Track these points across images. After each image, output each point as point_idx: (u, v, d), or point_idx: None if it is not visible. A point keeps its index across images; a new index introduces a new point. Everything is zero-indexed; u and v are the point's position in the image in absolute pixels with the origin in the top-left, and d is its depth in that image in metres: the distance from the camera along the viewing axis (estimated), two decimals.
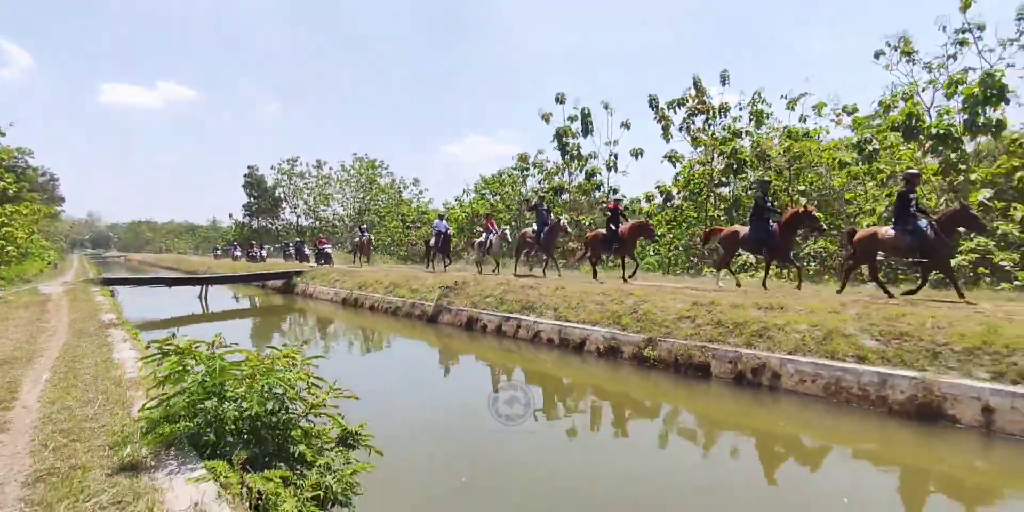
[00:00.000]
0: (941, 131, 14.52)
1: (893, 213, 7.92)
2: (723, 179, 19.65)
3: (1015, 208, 11.81)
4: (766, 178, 11.30)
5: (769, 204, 9.29)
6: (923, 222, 7.44)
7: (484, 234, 14.96)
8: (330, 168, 50.95)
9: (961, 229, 7.79)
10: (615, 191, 23.22)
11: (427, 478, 4.27)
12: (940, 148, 14.53)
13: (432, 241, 17.27)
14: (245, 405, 2.87)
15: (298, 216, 53.83)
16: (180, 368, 2.92)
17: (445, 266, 17.42)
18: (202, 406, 2.85)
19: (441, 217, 18.18)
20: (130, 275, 26.99)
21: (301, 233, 49.97)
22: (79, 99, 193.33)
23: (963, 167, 14.51)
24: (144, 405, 3.12)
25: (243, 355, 3.05)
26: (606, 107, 23.97)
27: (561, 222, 12.50)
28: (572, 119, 23.73)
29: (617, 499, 3.85)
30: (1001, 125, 14.14)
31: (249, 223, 56.74)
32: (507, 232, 14.52)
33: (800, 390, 5.93)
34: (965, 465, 4.41)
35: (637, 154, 22.88)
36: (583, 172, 23.95)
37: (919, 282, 7.89)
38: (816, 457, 4.79)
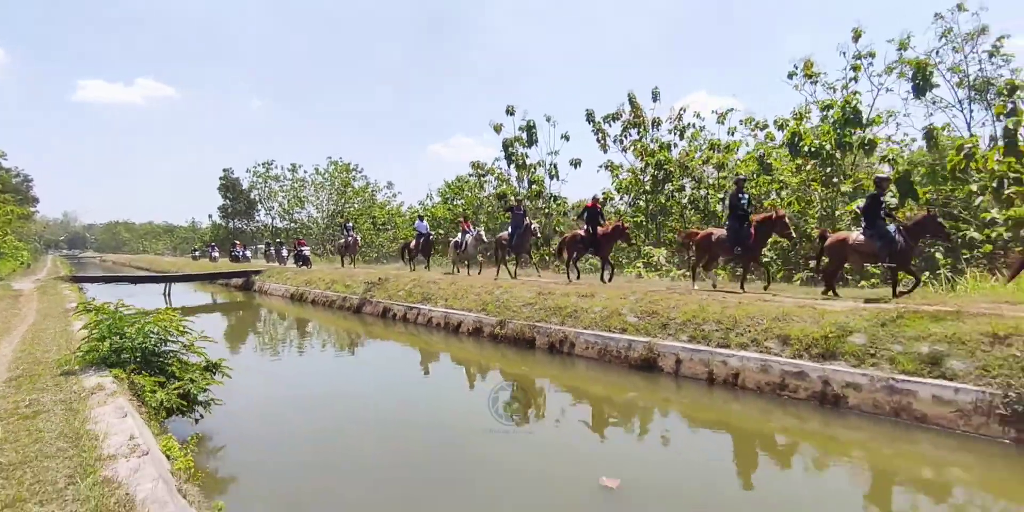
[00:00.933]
0: (813, 149, 16.81)
1: (864, 217, 7.85)
2: (647, 188, 21.77)
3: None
4: (741, 176, 11.10)
5: (744, 201, 9.17)
6: (892, 227, 7.42)
7: (460, 234, 15.26)
8: (304, 171, 51.61)
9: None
10: (555, 198, 25.28)
11: (279, 408, 6.33)
12: (816, 163, 16.81)
13: (412, 242, 17.36)
14: (137, 341, 4.89)
15: (272, 218, 54.84)
16: (96, 319, 4.93)
17: (427, 266, 17.45)
18: (109, 341, 4.86)
19: (421, 218, 18.23)
20: (102, 274, 28.51)
21: (276, 235, 51.28)
22: (54, 96, 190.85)
23: (836, 180, 16.81)
24: (79, 345, 5.12)
25: (134, 311, 5.06)
26: (548, 120, 25.97)
27: (532, 226, 12.82)
28: (523, 129, 25.68)
29: (437, 425, 5.93)
30: (872, 143, 16.47)
31: (225, 225, 57.94)
32: (482, 233, 14.82)
33: (586, 355, 8.07)
34: (669, 397, 6.56)
35: (576, 164, 24.98)
36: (527, 180, 26.02)
37: (891, 285, 7.82)
38: (584, 397, 6.91)
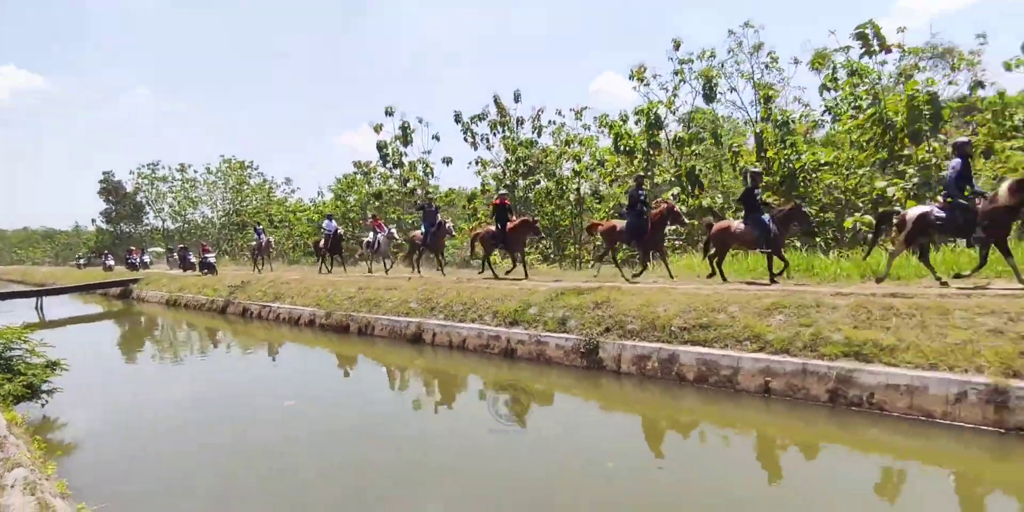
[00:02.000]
0: (629, 148, 19.87)
1: (742, 208, 8.57)
2: (507, 182, 24.26)
3: (683, 200, 16.94)
4: (639, 174, 11.53)
5: (643, 198, 9.72)
6: (766, 217, 8.07)
7: (372, 234, 15.41)
8: (195, 171, 49.88)
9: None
10: (428, 193, 27.32)
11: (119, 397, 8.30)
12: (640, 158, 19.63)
13: (321, 242, 17.13)
14: None
15: (163, 220, 52.92)
16: None
17: (341, 267, 17.28)
18: None
19: (330, 217, 17.81)
20: None
21: (169, 237, 49.76)
22: None
23: (650, 174, 19.97)
24: None
25: None
26: (420, 121, 27.58)
27: (447, 225, 13.02)
28: (401, 129, 27.17)
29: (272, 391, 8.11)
30: (683, 141, 19.59)
31: (111, 230, 55.24)
32: (394, 232, 15.13)
33: (381, 335, 10.54)
34: (431, 362, 9.12)
35: (448, 161, 27.15)
36: (402, 178, 27.90)
37: (769, 267, 8.42)
38: (378, 367, 9.33)
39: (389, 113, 27.36)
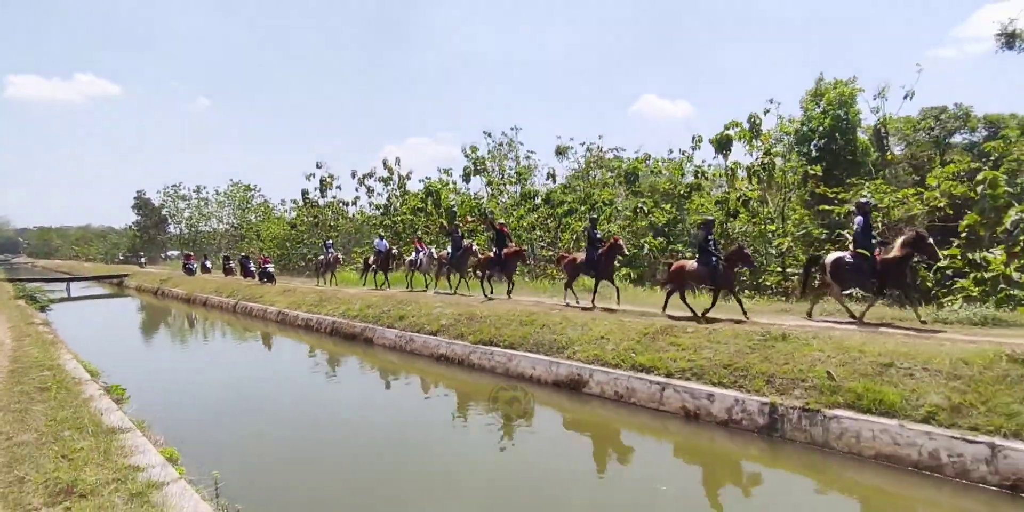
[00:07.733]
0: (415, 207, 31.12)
1: (696, 250, 9.68)
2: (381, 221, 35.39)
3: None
4: (594, 216, 12.76)
5: (597, 236, 11.13)
6: (715, 258, 9.07)
7: (414, 253, 17.24)
8: (207, 192, 62.54)
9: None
10: (332, 227, 38.60)
11: None
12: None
13: (371, 258, 19.29)
14: (26, 293, 19.21)
15: (181, 231, 66.42)
16: (18, 288, 19.07)
17: (388, 284, 18.72)
18: (22, 292, 19.10)
19: (381, 237, 19.76)
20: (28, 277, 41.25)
21: (183, 244, 63.15)
22: None
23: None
24: (13, 294, 19.30)
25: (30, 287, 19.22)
26: (331, 176, 38.98)
27: (473, 247, 14.23)
28: (321, 181, 38.64)
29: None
30: (450, 213, 30.77)
31: (140, 235, 69.85)
32: (433, 252, 16.67)
33: (211, 305, 22.37)
34: (236, 319, 21.12)
35: (352, 203, 38.72)
36: (312, 215, 39.30)
37: (711, 303, 9.28)
38: (249, 331, 21.39)
39: (319, 166, 39.04)
